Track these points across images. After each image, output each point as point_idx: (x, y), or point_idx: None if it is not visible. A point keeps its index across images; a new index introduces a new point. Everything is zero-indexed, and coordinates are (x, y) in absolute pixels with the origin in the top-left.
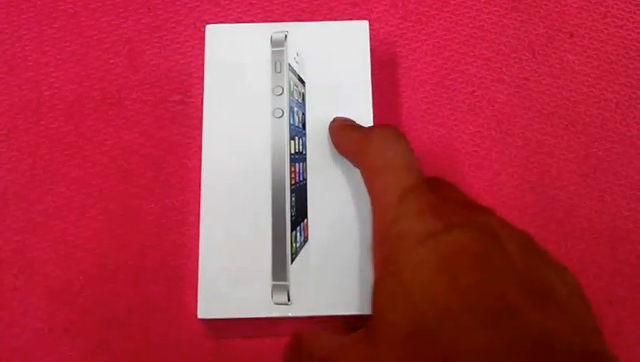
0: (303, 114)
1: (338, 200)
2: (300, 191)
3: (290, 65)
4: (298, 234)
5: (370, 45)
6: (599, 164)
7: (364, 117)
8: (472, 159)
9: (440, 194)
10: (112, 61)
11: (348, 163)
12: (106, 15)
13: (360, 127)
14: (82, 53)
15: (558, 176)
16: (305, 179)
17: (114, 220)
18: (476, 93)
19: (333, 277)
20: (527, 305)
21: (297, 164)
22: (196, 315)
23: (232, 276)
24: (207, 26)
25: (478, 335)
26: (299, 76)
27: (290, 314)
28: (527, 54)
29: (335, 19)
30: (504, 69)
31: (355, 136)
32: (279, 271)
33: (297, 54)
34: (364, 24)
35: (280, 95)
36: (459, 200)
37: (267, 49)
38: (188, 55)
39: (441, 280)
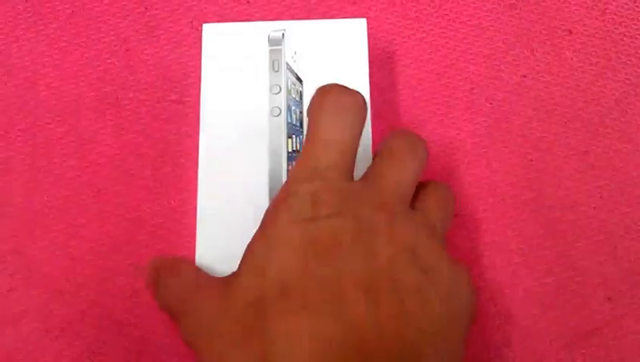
0: (301, 112)
1: None
2: None
3: (287, 63)
4: None
5: (368, 43)
6: (598, 160)
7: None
8: (470, 157)
9: (360, 182)
10: (109, 61)
11: None
12: (103, 15)
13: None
14: (79, 53)
15: (556, 173)
16: None
17: (111, 220)
18: (474, 91)
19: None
20: (359, 301)
21: (294, 163)
22: None
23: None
24: (204, 25)
25: (303, 320)
26: (296, 75)
27: None
28: (526, 51)
29: (333, 17)
30: (502, 67)
31: (317, 99)
32: None
33: (295, 53)
34: (362, 22)
35: (277, 93)
36: (370, 197)
37: (264, 47)
38: (185, 54)
39: (297, 263)
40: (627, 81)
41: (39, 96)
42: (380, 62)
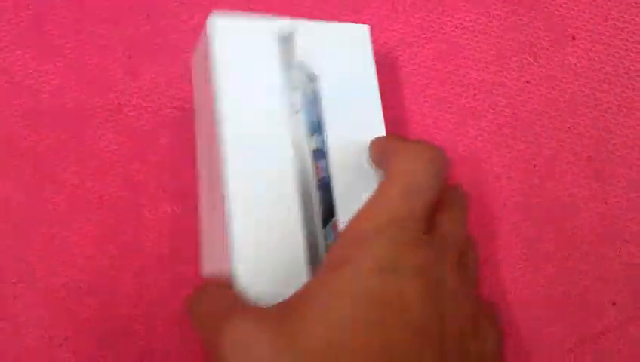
0: (318, 111)
1: (365, 197)
2: (324, 188)
3: (301, 61)
4: (328, 232)
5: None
6: (602, 166)
7: (374, 116)
8: (474, 163)
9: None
10: (111, 68)
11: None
12: (106, 22)
13: (400, 139)
14: (82, 60)
15: (560, 180)
16: (328, 176)
17: (114, 227)
18: (477, 97)
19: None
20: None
21: (318, 161)
22: None
23: (265, 279)
24: (212, 17)
25: None
26: (309, 72)
27: None
28: (529, 57)
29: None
30: (505, 73)
31: (393, 145)
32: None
33: (304, 51)
34: (365, 27)
35: (295, 91)
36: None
37: (274, 44)
38: (188, 61)
39: (374, 317)
40: (630, 87)
41: (42, 104)
42: (384, 68)
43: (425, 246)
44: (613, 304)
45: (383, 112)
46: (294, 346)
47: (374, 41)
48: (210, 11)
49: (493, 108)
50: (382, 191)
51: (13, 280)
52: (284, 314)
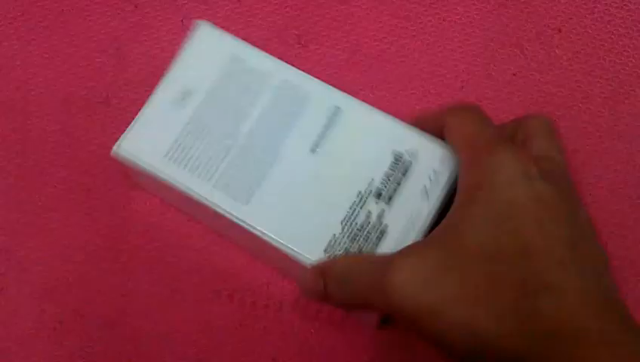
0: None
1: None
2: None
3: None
4: None
5: (360, 42)
6: (587, 158)
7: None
8: None
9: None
10: (99, 60)
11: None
12: (93, 14)
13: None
14: (69, 52)
15: None
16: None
17: (102, 219)
18: (465, 89)
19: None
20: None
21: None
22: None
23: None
24: (199, 22)
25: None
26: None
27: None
28: (516, 50)
29: (323, 16)
30: (492, 65)
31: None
32: None
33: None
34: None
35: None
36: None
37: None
38: (175, 53)
39: (529, 221)
40: (616, 79)
41: (29, 95)
42: (371, 60)
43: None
44: None
45: (371, 103)
46: (466, 255)
47: (361, 34)
48: (198, 1)
49: (481, 101)
50: (464, 133)
51: (1, 271)
52: (440, 241)
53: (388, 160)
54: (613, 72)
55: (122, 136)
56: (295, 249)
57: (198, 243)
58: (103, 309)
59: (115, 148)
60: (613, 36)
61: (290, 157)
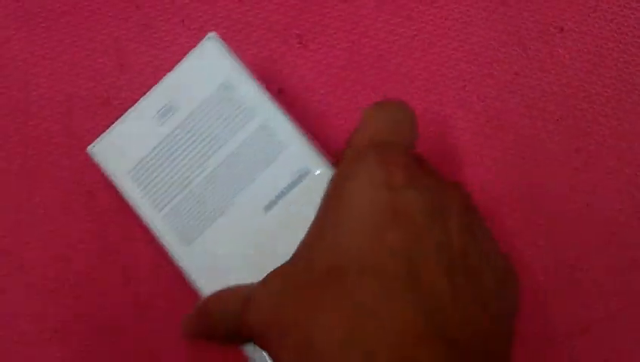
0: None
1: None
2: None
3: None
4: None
5: (361, 41)
6: (590, 158)
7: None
8: (463, 155)
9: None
10: (100, 60)
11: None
12: (95, 14)
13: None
14: (71, 52)
15: (549, 171)
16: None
17: (104, 220)
18: (467, 89)
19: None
20: (441, 282)
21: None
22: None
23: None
24: (209, 36)
25: (383, 301)
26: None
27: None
28: (518, 49)
29: (324, 15)
30: (494, 64)
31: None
32: None
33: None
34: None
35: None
36: (430, 170)
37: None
38: (176, 53)
39: (375, 233)
40: (619, 78)
41: (31, 96)
42: (372, 60)
43: (412, 163)
44: (602, 296)
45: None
46: (305, 274)
47: (362, 33)
48: (199, 2)
49: (483, 101)
50: (366, 123)
51: (2, 273)
52: (303, 250)
53: None
54: (617, 72)
55: (99, 138)
56: None
57: None
58: (104, 312)
59: (89, 147)
60: (615, 34)
61: (243, 210)
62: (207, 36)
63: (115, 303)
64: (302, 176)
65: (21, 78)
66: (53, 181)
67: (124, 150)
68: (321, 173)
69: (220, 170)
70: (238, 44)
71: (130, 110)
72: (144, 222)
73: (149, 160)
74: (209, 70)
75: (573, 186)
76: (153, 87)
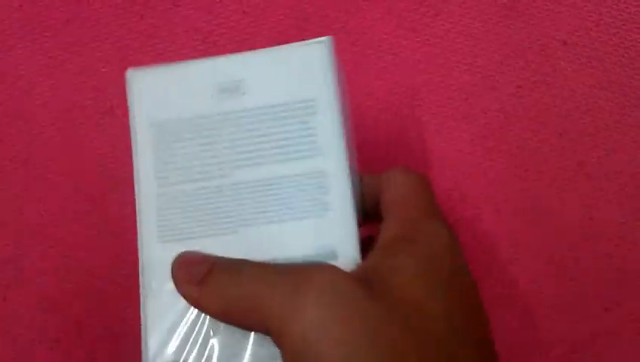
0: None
1: None
2: None
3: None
4: None
5: (365, 53)
6: (593, 171)
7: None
8: (466, 167)
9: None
10: (104, 69)
11: None
12: (99, 23)
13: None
14: (74, 61)
15: (551, 184)
16: None
17: (106, 229)
18: (470, 101)
19: None
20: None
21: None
22: None
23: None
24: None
25: None
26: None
27: None
28: (521, 62)
29: (329, 27)
30: (497, 77)
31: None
32: None
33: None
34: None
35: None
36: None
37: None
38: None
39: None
40: (621, 92)
41: (34, 105)
42: (376, 72)
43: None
44: (606, 309)
45: (375, 115)
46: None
47: (366, 45)
48: (203, 12)
49: (485, 113)
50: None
51: (4, 282)
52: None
53: None
54: (619, 85)
55: (145, 67)
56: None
57: None
58: (106, 320)
59: (129, 70)
60: (619, 49)
61: (240, 247)
62: (320, 39)
63: (117, 312)
64: (324, 255)
65: (25, 86)
66: (55, 190)
67: (164, 97)
68: (345, 261)
69: (243, 187)
70: None
71: (199, 60)
72: (135, 191)
73: (182, 125)
74: (303, 76)
75: (576, 200)
76: (234, 54)
